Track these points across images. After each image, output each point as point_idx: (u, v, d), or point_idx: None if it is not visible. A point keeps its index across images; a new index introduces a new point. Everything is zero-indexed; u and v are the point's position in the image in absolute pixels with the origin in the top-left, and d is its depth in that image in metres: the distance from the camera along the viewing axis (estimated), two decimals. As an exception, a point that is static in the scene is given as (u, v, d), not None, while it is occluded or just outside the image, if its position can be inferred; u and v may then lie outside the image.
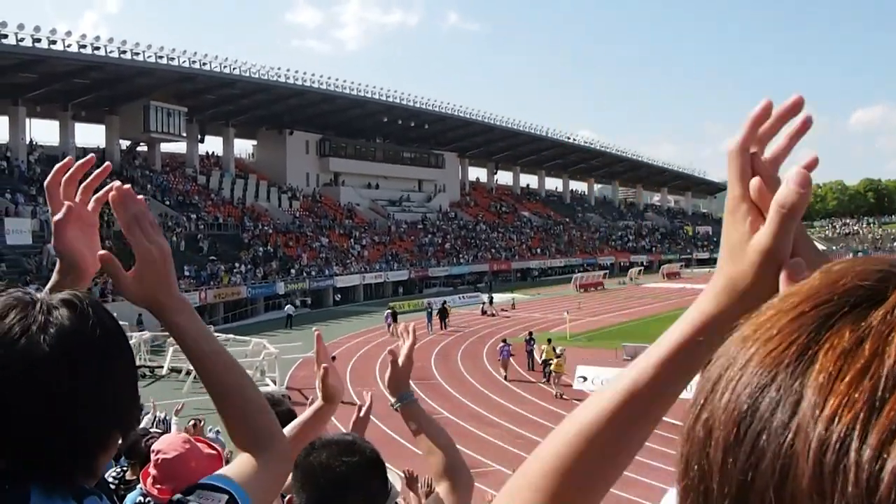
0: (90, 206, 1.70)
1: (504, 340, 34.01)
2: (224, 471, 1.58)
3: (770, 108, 0.86)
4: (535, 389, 29.62)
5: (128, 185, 1.54)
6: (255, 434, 1.63)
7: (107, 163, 1.76)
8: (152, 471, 2.78)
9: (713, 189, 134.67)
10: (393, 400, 2.85)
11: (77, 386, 1.23)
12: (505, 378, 31.70)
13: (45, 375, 1.19)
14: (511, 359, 32.53)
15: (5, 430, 1.20)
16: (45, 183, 1.69)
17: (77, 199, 1.69)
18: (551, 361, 29.91)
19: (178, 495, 1.45)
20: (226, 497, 1.46)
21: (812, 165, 0.83)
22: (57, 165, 1.69)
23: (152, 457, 2.82)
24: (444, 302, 50.38)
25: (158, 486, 2.74)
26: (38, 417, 1.20)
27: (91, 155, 1.75)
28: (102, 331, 1.28)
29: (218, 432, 12.70)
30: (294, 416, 3.83)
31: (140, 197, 1.54)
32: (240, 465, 1.59)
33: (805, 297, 0.54)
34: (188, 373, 28.19)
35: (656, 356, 0.87)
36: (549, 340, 32.68)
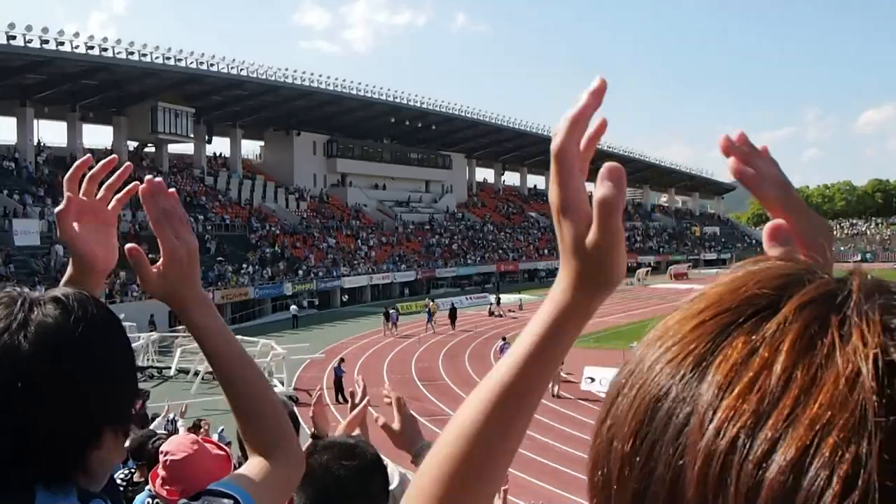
0: (110, 206, 1.68)
1: (503, 339, 34.59)
2: (233, 475, 1.57)
3: (590, 101, 0.88)
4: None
5: (159, 179, 1.51)
6: (268, 436, 1.61)
7: (127, 163, 1.71)
8: (161, 472, 2.78)
9: (721, 190, 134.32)
10: (412, 456, 2.80)
11: (61, 382, 1.22)
12: None
13: (26, 373, 1.19)
14: None
15: None
16: (66, 176, 1.66)
17: (98, 197, 1.67)
18: None
19: (184, 501, 1.44)
20: (230, 502, 1.44)
21: (601, 131, 0.90)
22: (78, 161, 1.66)
23: (161, 458, 2.81)
24: (452, 303, 50.66)
25: (167, 487, 2.74)
26: (23, 416, 1.19)
27: (114, 156, 1.72)
28: (87, 326, 1.27)
29: (222, 430, 12.73)
30: (296, 420, 3.84)
31: (171, 190, 1.51)
32: (250, 468, 1.57)
33: (708, 303, 0.54)
34: (196, 373, 28.26)
35: (522, 351, 0.91)
36: None
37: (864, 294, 0.51)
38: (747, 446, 0.46)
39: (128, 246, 1.51)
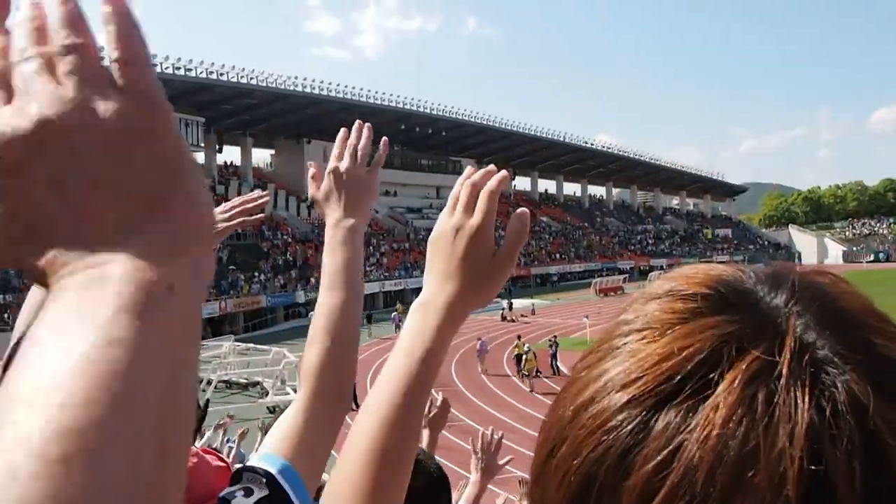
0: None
1: (479, 338, 36.37)
2: (270, 444, 1.55)
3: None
4: (555, 395, 29.57)
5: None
6: (347, 373, 1.65)
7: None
8: None
9: (732, 191, 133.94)
10: None
11: None
12: (484, 372, 33.85)
13: None
14: (486, 355, 35.06)
15: None
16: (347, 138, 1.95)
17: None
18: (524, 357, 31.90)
19: (228, 489, 1.45)
20: (263, 479, 1.45)
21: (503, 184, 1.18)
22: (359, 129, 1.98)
23: None
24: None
25: None
26: None
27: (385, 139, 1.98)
28: None
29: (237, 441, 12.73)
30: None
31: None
32: (290, 425, 1.56)
33: (636, 374, 0.52)
34: (209, 382, 28.27)
35: (420, 353, 1.10)
36: (519, 337, 35.13)
37: (798, 356, 0.49)
38: None
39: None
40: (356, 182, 1.77)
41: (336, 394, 1.61)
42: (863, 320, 0.51)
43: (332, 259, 1.69)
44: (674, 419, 0.48)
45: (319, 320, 1.67)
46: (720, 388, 0.48)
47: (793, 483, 0.44)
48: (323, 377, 1.60)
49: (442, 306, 1.13)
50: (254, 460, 1.51)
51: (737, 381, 0.48)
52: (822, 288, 0.53)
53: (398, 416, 1.08)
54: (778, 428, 0.46)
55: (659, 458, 0.47)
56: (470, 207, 1.14)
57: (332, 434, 1.60)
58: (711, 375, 0.49)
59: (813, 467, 0.44)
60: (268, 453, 1.52)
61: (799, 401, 0.47)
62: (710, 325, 0.52)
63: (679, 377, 0.50)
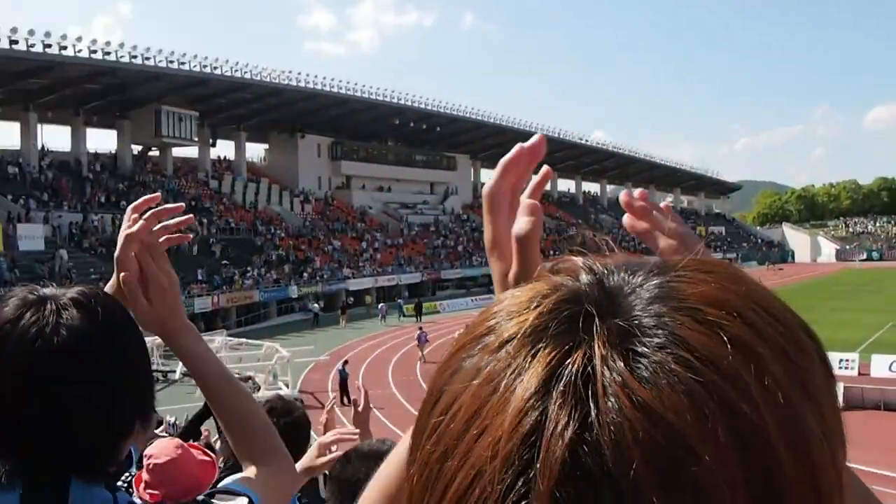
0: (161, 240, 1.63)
1: (420, 328, 38.58)
2: (241, 478, 1.67)
3: (522, 152, 0.93)
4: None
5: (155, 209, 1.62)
6: (259, 450, 1.72)
7: (190, 216, 1.72)
8: (144, 476, 2.69)
9: (726, 189, 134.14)
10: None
11: (97, 381, 1.29)
12: (423, 360, 35.50)
13: (61, 374, 1.26)
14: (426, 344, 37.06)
15: (34, 430, 1.26)
16: (132, 205, 1.65)
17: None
18: None
19: (202, 496, 1.53)
20: (245, 500, 1.52)
21: (545, 179, 1.01)
22: (148, 196, 1.67)
23: (144, 461, 2.73)
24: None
25: (150, 490, 2.66)
26: (64, 416, 1.26)
27: (181, 204, 1.74)
28: (112, 325, 1.35)
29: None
30: (307, 422, 3.72)
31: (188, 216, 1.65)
32: (252, 473, 1.68)
33: (466, 332, 0.55)
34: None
35: None
36: (467, 326, 36.83)
37: (556, 323, 0.50)
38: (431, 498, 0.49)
39: (123, 274, 1.56)
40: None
41: (260, 462, 1.72)
42: (684, 301, 0.50)
43: (197, 377, 1.70)
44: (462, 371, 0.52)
45: (220, 417, 1.73)
46: (482, 348, 0.52)
47: (505, 443, 0.45)
48: (242, 455, 1.74)
49: None
50: (226, 485, 1.60)
51: (492, 343, 0.51)
52: (669, 269, 0.53)
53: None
54: (513, 389, 0.47)
55: (443, 404, 0.51)
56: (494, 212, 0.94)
57: (278, 491, 1.75)
58: (489, 337, 0.52)
59: (526, 428, 0.45)
60: (241, 482, 1.61)
61: (538, 362, 0.48)
62: (525, 293, 0.55)
63: (475, 337, 0.54)
